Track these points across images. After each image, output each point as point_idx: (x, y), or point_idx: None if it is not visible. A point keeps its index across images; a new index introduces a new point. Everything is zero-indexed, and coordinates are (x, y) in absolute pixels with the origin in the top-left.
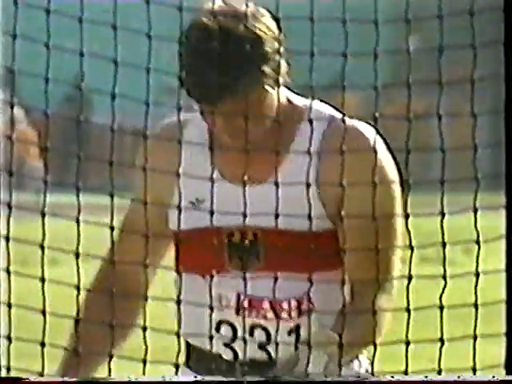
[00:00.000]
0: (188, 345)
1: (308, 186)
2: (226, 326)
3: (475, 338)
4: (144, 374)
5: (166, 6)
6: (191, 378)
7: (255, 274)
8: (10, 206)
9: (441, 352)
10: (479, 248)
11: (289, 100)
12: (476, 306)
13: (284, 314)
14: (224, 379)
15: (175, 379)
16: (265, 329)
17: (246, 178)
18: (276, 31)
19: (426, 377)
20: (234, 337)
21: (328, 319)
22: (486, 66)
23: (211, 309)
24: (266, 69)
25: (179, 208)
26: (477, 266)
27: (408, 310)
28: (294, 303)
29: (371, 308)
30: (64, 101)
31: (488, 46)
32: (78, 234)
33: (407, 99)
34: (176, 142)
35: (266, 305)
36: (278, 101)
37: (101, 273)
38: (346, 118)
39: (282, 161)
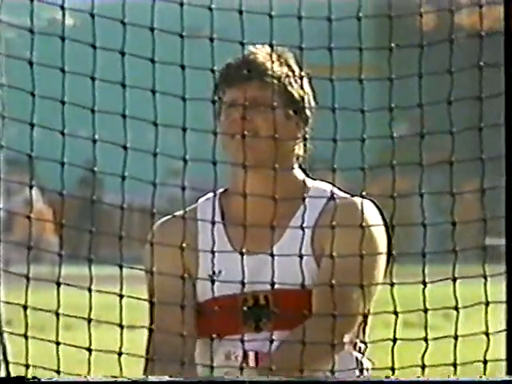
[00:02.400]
0: None
1: (301, 257)
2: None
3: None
4: None
5: (171, 96)
6: (192, 378)
7: (267, 333)
8: (27, 278)
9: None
10: (458, 314)
11: (297, 177)
12: (455, 365)
13: None
14: (225, 379)
15: (176, 379)
16: None
17: (248, 248)
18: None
19: (421, 376)
20: None
21: None
22: (465, 149)
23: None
24: (294, 92)
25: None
26: (456, 330)
27: (392, 370)
28: None
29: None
30: (78, 182)
31: (465, 132)
32: (90, 302)
33: (392, 179)
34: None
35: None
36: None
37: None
38: (345, 195)
39: (284, 232)
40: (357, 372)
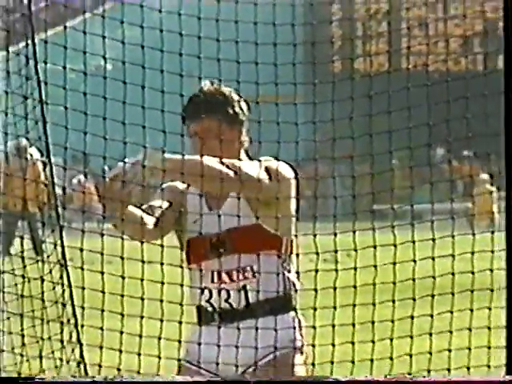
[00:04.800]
0: (197, 308)
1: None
2: (206, 291)
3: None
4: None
5: (174, 114)
6: (194, 378)
7: (225, 258)
8: (83, 231)
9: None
10: (356, 253)
11: (243, 160)
12: (355, 286)
13: (234, 278)
14: (229, 379)
15: (176, 379)
16: (227, 290)
17: (214, 206)
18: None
19: (425, 376)
20: (210, 296)
21: (267, 283)
22: (361, 147)
23: (202, 290)
24: (230, 110)
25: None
26: (355, 264)
27: (315, 290)
28: (241, 271)
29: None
30: None
31: (362, 137)
32: (122, 246)
33: (315, 167)
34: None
35: (225, 275)
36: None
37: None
38: (275, 161)
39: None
40: (285, 286)
